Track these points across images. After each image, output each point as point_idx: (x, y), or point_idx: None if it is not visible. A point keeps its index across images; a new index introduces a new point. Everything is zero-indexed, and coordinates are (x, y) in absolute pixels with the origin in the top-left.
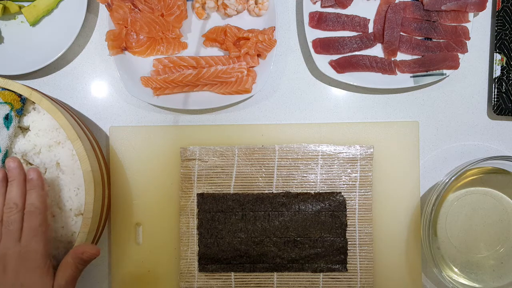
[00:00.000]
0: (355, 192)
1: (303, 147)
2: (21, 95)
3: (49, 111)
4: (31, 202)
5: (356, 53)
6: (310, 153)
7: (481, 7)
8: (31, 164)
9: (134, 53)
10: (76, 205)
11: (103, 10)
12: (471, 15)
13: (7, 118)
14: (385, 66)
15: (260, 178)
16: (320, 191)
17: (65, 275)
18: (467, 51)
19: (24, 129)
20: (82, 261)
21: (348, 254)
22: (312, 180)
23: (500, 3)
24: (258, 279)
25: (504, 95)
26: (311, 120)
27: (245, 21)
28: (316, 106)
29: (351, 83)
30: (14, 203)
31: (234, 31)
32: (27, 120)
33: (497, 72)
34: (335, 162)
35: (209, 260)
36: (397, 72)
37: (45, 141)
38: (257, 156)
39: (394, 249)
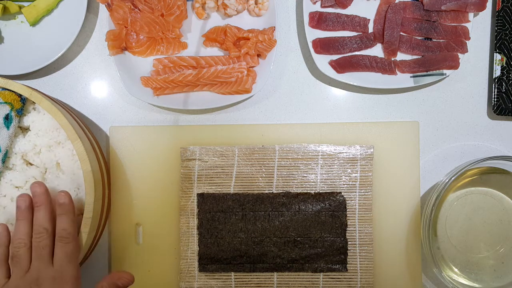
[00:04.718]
0: (355, 192)
1: (303, 147)
2: (21, 95)
3: (49, 111)
4: (63, 228)
5: (356, 53)
6: (310, 153)
7: (481, 7)
8: (31, 164)
9: (134, 53)
10: (76, 205)
11: (103, 10)
12: (471, 15)
13: (7, 118)
14: (385, 66)
15: (260, 178)
16: (320, 191)
17: None
18: (467, 51)
19: (24, 129)
20: (116, 287)
21: (348, 254)
22: (312, 180)
23: (500, 3)
24: (258, 279)
25: (504, 95)
26: (311, 120)
27: (245, 21)
28: (316, 106)
29: (351, 83)
30: (44, 228)
31: (234, 31)
32: (27, 120)
33: (497, 72)
34: (335, 162)
35: (209, 260)
36: (397, 72)
37: (45, 141)
38: (257, 156)
39: (394, 249)
